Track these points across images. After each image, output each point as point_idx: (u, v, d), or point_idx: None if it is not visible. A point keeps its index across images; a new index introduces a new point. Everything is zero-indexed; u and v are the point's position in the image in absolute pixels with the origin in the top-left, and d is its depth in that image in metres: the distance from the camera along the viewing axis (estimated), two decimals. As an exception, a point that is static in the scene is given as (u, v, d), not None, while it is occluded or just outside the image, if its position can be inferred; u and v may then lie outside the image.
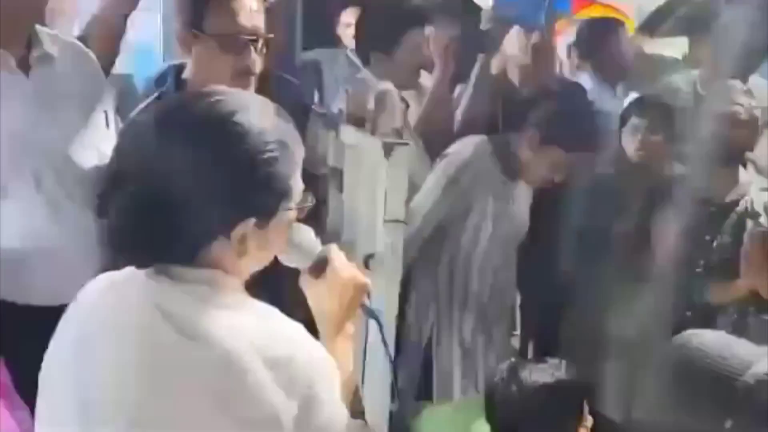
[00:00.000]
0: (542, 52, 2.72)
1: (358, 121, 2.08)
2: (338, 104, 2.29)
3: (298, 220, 1.17)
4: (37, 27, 2.05)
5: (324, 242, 1.24)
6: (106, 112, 2.16)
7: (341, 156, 2.20)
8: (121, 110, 2.58)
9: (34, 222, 1.94)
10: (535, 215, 2.56)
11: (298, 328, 1.12)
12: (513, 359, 1.82)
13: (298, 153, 1.12)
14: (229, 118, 1.07)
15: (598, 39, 3.27)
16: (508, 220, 2.45)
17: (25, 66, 1.98)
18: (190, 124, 1.08)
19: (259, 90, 1.99)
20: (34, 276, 1.92)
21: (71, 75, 2.08)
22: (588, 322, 2.59)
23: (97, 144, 2.06)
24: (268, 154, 1.07)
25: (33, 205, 1.94)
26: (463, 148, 2.38)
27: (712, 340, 1.13)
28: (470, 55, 2.73)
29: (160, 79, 2.32)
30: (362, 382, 2.03)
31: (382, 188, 1.93)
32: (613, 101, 3.23)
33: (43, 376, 1.13)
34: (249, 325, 1.08)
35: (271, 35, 1.95)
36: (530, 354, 2.96)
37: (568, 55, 3.40)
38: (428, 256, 2.46)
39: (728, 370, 1.08)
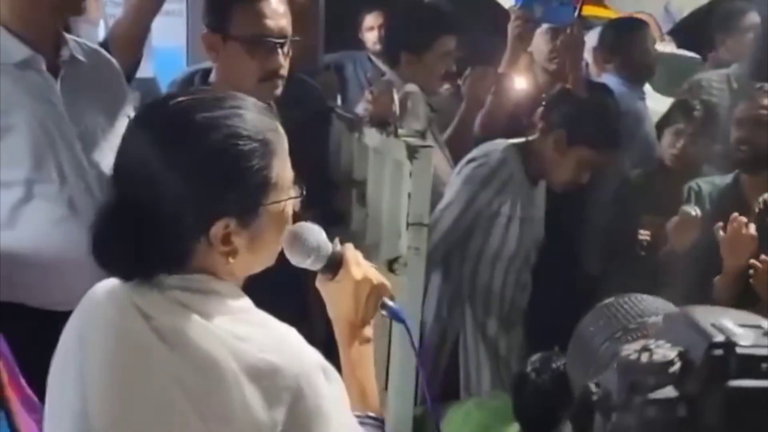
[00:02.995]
0: (571, 50, 2.69)
1: (382, 123, 2.06)
2: (362, 106, 2.28)
3: (295, 216, 1.13)
4: (64, 33, 2.07)
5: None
6: (129, 117, 2.17)
7: (364, 158, 2.19)
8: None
9: (58, 224, 1.94)
10: (558, 216, 2.54)
11: (287, 336, 1.07)
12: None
13: (280, 146, 1.09)
14: (195, 115, 1.04)
15: (623, 40, 3.24)
16: (531, 223, 2.44)
17: (54, 69, 2.00)
18: (159, 121, 1.07)
19: (282, 92, 1.99)
20: (56, 279, 1.93)
21: (95, 80, 2.09)
22: None
23: (106, 153, 2.06)
24: (238, 149, 1.04)
25: (57, 207, 1.94)
26: (490, 152, 2.37)
27: (638, 297, 1.08)
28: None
29: (186, 83, 2.33)
30: (385, 387, 2.02)
31: (405, 191, 1.91)
32: (639, 102, 3.20)
33: (48, 382, 1.12)
34: (230, 332, 1.03)
35: (297, 38, 1.95)
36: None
37: (593, 58, 3.37)
38: (452, 258, 2.45)
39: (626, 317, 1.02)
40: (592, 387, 0.80)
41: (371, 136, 2.12)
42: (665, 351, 0.76)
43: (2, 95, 1.91)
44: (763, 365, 0.73)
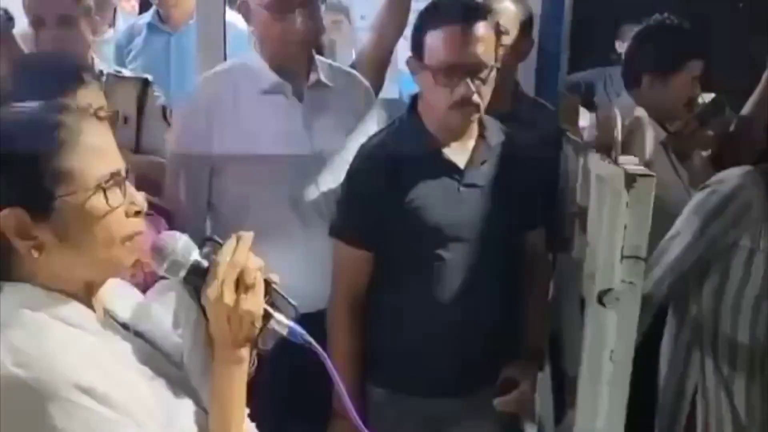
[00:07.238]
0: None
1: (605, 149, 1.97)
2: (587, 130, 2.19)
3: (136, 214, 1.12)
4: (317, 57, 2.24)
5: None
6: (368, 136, 2.28)
7: (587, 184, 2.11)
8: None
9: (290, 239, 2.10)
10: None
11: (48, 349, 1.01)
12: None
13: (83, 141, 1.07)
14: None
15: None
16: None
17: (301, 93, 2.18)
18: None
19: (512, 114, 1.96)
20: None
21: (339, 102, 2.23)
22: None
23: (339, 169, 2.16)
24: (15, 140, 1.04)
25: (288, 223, 2.11)
26: (726, 179, 2.14)
27: None
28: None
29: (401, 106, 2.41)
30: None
31: (622, 221, 1.81)
32: None
33: None
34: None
35: (497, 64, 1.89)
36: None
37: None
38: (687, 297, 2.25)
39: None
40: None
41: (594, 161, 2.04)
42: None
43: (250, 119, 2.14)
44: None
